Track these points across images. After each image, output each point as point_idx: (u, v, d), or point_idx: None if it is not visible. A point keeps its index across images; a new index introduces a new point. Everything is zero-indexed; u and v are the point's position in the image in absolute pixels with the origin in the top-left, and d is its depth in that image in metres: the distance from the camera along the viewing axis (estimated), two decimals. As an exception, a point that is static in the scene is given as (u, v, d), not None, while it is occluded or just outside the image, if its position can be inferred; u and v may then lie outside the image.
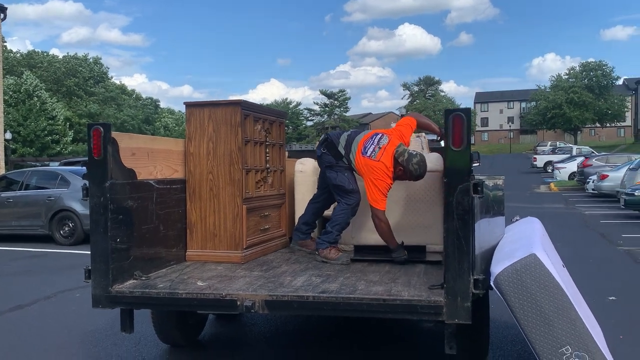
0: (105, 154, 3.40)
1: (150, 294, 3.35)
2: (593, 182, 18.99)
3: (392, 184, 4.02)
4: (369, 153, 4.00)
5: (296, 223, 4.64)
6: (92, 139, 3.41)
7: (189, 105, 4.25)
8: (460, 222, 2.91)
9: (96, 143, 3.39)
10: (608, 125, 67.98)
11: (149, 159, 3.87)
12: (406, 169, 3.93)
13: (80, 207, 10.33)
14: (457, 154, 2.95)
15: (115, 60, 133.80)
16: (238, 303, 3.22)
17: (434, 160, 4.67)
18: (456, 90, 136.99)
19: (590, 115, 62.47)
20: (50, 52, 65.95)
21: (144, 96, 73.51)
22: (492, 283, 2.91)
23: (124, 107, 62.64)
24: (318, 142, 4.43)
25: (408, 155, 3.93)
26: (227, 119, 4.13)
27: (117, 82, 70.21)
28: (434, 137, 5.11)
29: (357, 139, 4.14)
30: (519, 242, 3.35)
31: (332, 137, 4.28)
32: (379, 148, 4.00)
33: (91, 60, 65.24)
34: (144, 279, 3.59)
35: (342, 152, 4.15)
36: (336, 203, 4.26)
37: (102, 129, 3.40)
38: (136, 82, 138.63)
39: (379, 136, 4.10)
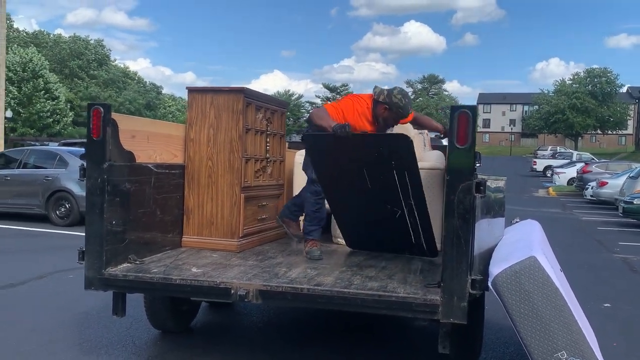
0: (104, 134, 3.36)
1: (143, 279, 3.32)
2: (592, 188, 18.95)
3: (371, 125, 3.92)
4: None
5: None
6: (91, 119, 3.37)
7: (192, 90, 4.21)
8: (460, 221, 2.88)
9: (96, 123, 3.35)
10: (609, 132, 67.94)
11: (149, 142, 3.82)
12: (390, 103, 3.83)
13: (77, 189, 10.28)
14: (461, 151, 2.91)
15: (120, 44, 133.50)
16: (232, 291, 3.19)
17: (435, 158, 4.64)
18: (459, 90, 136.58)
19: (592, 122, 62.44)
20: (55, 32, 65.68)
21: (147, 81, 73.19)
22: (489, 284, 2.88)
23: (125, 90, 62.34)
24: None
25: (387, 92, 3.87)
26: (229, 106, 4.08)
27: (121, 65, 69.89)
28: (436, 134, 5.06)
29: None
30: (518, 244, 3.32)
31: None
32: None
33: (93, 42, 64.91)
34: (138, 263, 3.56)
35: None
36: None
37: (102, 109, 3.36)
38: (140, 66, 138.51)
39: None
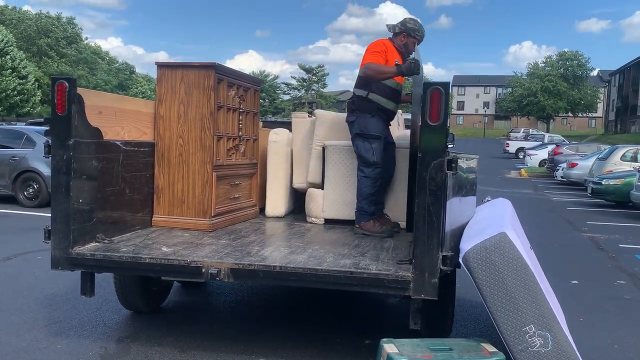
0: (69, 110, 3.26)
1: (112, 258, 3.26)
2: (562, 169, 19.30)
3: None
4: None
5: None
6: (56, 94, 3.26)
7: (161, 65, 4.10)
8: (432, 197, 2.88)
9: (60, 98, 3.25)
10: (580, 115, 69.11)
11: (117, 118, 3.73)
12: (407, 29, 4.21)
13: (45, 169, 10.04)
14: (434, 129, 2.91)
15: (90, 22, 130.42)
16: (203, 270, 3.15)
17: (401, 137, 4.67)
18: (434, 72, 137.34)
19: (564, 105, 63.36)
20: (22, 9, 63.39)
21: (119, 60, 71.48)
22: (460, 260, 2.90)
23: (97, 70, 60.84)
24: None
25: (400, 23, 4.26)
26: (200, 82, 4.00)
27: (92, 44, 67.99)
28: (409, 116, 5.10)
29: None
30: (489, 221, 3.35)
31: None
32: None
33: (64, 20, 62.94)
34: (106, 242, 3.49)
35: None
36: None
37: (67, 83, 3.25)
38: (111, 45, 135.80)
39: None
